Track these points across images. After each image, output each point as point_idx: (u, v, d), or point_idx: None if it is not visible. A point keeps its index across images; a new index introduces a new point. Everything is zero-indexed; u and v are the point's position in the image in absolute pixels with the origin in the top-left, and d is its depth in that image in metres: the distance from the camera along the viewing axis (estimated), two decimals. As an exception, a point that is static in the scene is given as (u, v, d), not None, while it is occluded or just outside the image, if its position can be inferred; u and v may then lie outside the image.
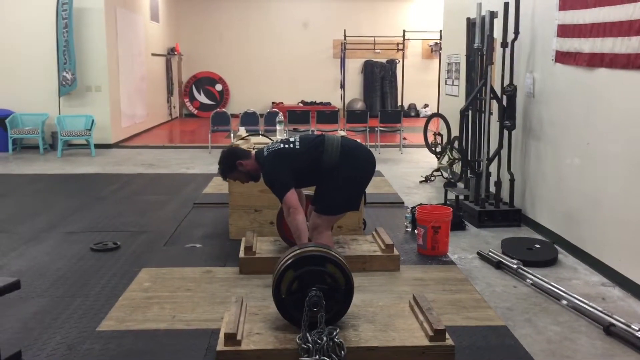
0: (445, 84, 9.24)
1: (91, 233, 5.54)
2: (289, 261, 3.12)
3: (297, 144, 3.96)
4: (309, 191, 4.45)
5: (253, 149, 5.41)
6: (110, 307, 3.82)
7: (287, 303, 3.11)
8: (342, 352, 2.82)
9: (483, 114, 6.25)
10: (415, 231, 5.16)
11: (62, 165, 9.48)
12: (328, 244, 3.77)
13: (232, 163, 4.02)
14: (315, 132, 10.54)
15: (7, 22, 10.78)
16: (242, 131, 6.52)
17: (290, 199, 3.78)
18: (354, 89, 17.74)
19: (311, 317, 2.96)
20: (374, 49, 17.44)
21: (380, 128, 11.10)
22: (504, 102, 5.86)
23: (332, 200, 3.97)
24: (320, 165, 3.88)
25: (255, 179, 4.14)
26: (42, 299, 4.00)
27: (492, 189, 6.10)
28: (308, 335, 2.88)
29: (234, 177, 4.13)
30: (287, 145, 3.95)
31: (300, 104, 17.16)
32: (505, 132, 5.93)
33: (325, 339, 2.82)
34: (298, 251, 3.18)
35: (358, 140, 4.47)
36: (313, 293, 2.98)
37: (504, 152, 6.01)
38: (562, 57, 5.14)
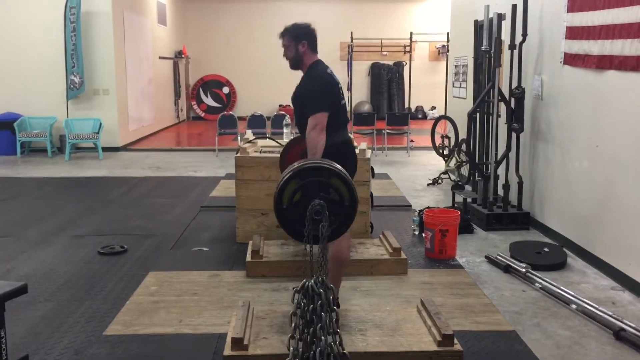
0: (453, 86, 9.21)
1: (98, 236, 5.54)
2: (294, 170, 2.97)
3: (343, 100, 3.83)
4: None
5: (260, 152, 5.43)
6: (117, 311, 3.82)
7: (288, 213, 2.97)
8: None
9: (491, 117, 6.23)
10: (423, 234, 5.13)
11: (70, 168, 9.52)
12: (346, 246, 3.66)
13: (299, 35, 3.82)
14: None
15: (15, 25, 10.84)
16: (249, 134, 6.51)
17: (323, 118, 3.54)
18: (361, 92, 17.72)
19: (313, 229, 2.85)
20: (381, 51, 17.42)
21: (388, 130, 11.08)
22: (512, 105, 5.83)
23: None
24: (336, 130, 3.70)
25: (293, 65, 3.91)
26: (49, 303, 4.01)
27: (500, 191, 6.06)
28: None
29: (287, 44, 3.88)
30: (341, 91, 3.83)
31: (307, 107, 17.14)
32: (514, 135, 5.90)
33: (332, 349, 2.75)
34: (303, 162, 3.05)
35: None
36: (316, 202, 2.90)
37: (512, 155, 5.97)
38: (571, 59, 5.10)
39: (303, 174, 2.97)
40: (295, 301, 2.69)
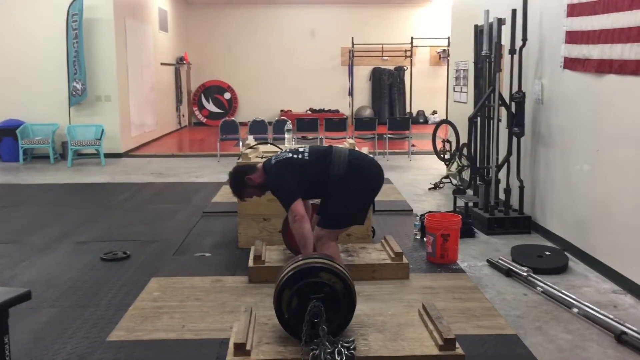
0: (454, 90, 9.23)
1: (101, 243, 5.56)
2: (283, 279, 3.11)
3: (305, 154, 3.94)
4: (314, 200, 4.45)
5: (262, 157, 5.45)
6: (120, 317, 3.84)
7: (291, 322, 3.09)
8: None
9: (492, 121, 6.24)
10: (425, 239, 5.15)
11: (72, 174, 9.54)
12: (334, 254, 3.75)
13: (241, 182, 3.98)
14: (324, 140, 10.60)
15: (18, 32, 10.89)
16: (251, 139, 6.53)
17: (297, 207, 3.75)
18: (362, 97, 17.76)
19: (314, 330, 2.93)
20: (382, 56, 17.47)
21: (389, 135, 11.10)
22: (513, 109, 5.85)
23: (337, 214, 3.94)
24: (328, 177, 3.85)
25: (266, 189, 4.09)
26: (53, 309, 4.03)
27: (502, 196, 6.08)
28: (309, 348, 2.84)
29: (249, 194, 4.08)
30: (295, 156, 3.93)
31: (309, 112, 17.20)
32: (514, 139, 5.91)
33: (344, 352, 2.81)
34: (291, 267, 3.16)
35: (366, 152, 4.45)
36: (312, 304, 2.96)
37: (513, 159, 5.99)
38: (571, 64, 5.12)
39: (291, 281, 3.09)
40: None
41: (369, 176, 3.96)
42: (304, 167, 3.88)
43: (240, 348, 2.97)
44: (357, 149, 4.99)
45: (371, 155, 4.33)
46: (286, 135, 6.46)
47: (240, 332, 3.11)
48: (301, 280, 3.07)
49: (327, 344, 2.84)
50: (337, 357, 2.79)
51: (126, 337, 3.57)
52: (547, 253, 4.94)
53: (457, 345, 3.03)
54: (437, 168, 9.43)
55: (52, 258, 5.16)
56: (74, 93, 10.77)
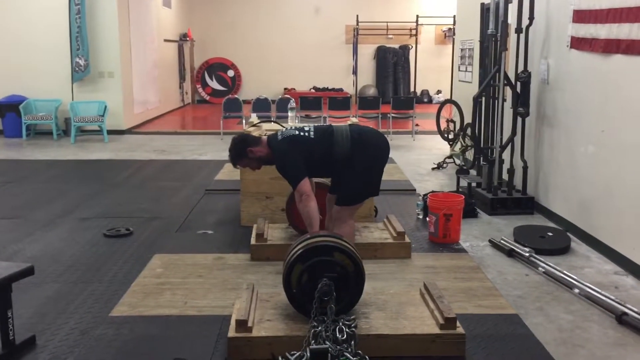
0: (459, 70, 9.16)
1: (104, 219, 5.58)
2: (296, 254, 3.12)
3: (311, 133, 3.92)
4: (319, 179, 4.44)
5: (265, 135, 5.43)
6: (123, 293, 3.86)
7: (298, 296, 3.11)
8: (353, 342, 2.82)
9: (496, 101, 6.20)
10: (427, 219, 5.14)
11: (75, 151, 9.54)
12: (350, 233, 3.82)
13: (241, 150, 3.97)
14: (327, 119, 10.56)
15: (21, 8, 10.81)
16: (254, 117, 6.51)
17: (303, 185, 3.75)
18: (367, 75, 17.65)
19: (322, 307, 2.96)
20: (387, 34, 17.32)
21: (393, 114, 11.05)
22: (518, 89, 5.80)
23: (352, 189, 3.93)
24: (333, 157, 3.84)
25: (266, 163, 4.09)
26: (56, 284, 4.05)
27: (505, 176, 6.06)
28: (316, 323, 2.88)
29: (244, 164, 4.08)
30: (301, 133, 3.91)
31: (312, 90, 17.11)
32: (519, 119, 5.88)
33: (345, 330, 2.84)
34: (304, 243, 3.17)
35: (368, 126, 4.43)
36: (323, 282, 2.98)
37: (517, 139, 5.96)
38: (578, 43, 5.07)
39: (305, 256, 3.10)
40: None
41: (374, 150, 3.94)
42: (310, 145, 3.86)
43: (242, 325, 3.00)
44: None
45: (372, 128, 4.31)
46: (289, 114, 6.45)
47: (242, 309, 3.13)
48: (315, 257, 3.09)
49: (329, 322, 2.86)
50: (338, 335, 2.80)
51: (129, 312, 3.59)
52: (550, 234, 4.94)
53: (458, 324, 3.05)
54: (440, 148, 9.41)
55: (55, 234, 5.18)
56: (77, 69, 10.72)
